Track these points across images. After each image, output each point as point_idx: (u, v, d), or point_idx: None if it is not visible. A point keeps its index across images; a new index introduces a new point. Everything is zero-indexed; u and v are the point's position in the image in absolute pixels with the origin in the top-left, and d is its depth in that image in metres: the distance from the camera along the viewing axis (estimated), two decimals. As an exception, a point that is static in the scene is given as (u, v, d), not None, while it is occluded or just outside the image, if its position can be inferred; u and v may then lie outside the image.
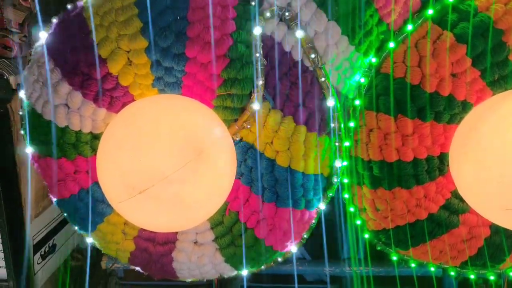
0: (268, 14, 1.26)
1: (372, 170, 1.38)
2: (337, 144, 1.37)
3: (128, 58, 1.27)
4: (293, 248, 1.50)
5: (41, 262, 1.83)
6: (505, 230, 1.37)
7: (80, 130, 1.35)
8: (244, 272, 1.54)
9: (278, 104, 1.32)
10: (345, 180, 1.44)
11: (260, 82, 1.27)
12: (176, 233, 1.47)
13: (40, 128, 1.38)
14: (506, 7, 1.23)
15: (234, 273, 1.56)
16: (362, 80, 1.36)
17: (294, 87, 1.31)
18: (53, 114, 1.33)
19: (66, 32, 1.31)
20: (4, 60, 1.63)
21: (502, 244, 1.40)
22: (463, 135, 1.27)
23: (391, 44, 1.30)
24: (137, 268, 1.60)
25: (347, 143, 1.39)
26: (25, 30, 1.73)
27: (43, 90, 1.33)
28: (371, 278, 1.79)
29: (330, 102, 1.32)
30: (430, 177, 1.36)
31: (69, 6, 1.32)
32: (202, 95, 1.30)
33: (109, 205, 1.41)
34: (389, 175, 1.36)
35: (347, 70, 1.36)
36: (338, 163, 1.39)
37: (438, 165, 1.35)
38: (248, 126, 1.32)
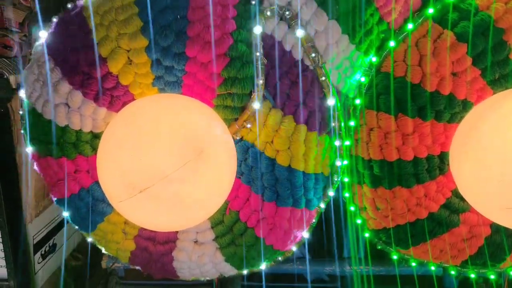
0: (268, 13, 1.26)
1: (372, 169, 1.38)
2: (337, 143, 1.37)
3: (128, 57, 1.27)
4: (293, 247, 1.50)
5: (41, 261, 1.83)
6: (506, 229, 1.37)
7: (80, 130, 1.35)
8: (245, 271, 1.55)
9: (278, 103, 1.31)
10: (346, 179, 1.44)
11: (261, 81, 1.27)
12: (177, 232, 1.47)
13: (40, 127, 1.37)
14: (506, 6, 1.23)
15: (235, 272, 1.56)
16: (363, 79, 1.36)
17: (294, 86, 1.31)
18: (53, 113, 1.33)
19: (66, 31, 1.30)
20: (4, 59, 1.63)
21: (503, 243, 1.40)
22: (464, 134, 1.27)
23: (392, 43, 1.30)
24: (138, 268, 1.60)
25: (347, 142, 1.39)
26: (25, 29, 1.73)
27: (43, 89, 1.33)
28: (372, 277, 1.79)
29: (331, 101, 1.32)
30: (431, 176, 1.36)
31: (69, 5, 1.32)
32: (202, 94, 1.30)
33: (109, 205, 1.41)
34: (390, 174, 1.36)
35: (347, 69, 1.36)
36: (338, 162, 1.39)
37: (439, 164, 1.35)
38: (249, 125, 1.32)
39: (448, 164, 1.34)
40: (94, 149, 1.37)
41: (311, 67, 1.31)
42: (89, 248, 1.58)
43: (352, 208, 1.48)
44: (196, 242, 1.48)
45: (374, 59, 1.34)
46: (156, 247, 1.49)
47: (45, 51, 1.31)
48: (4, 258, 1.66)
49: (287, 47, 1.29)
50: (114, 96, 1.31)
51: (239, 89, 1.28)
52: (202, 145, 1.19)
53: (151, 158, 1.17)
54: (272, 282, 2.42)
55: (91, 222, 1.47)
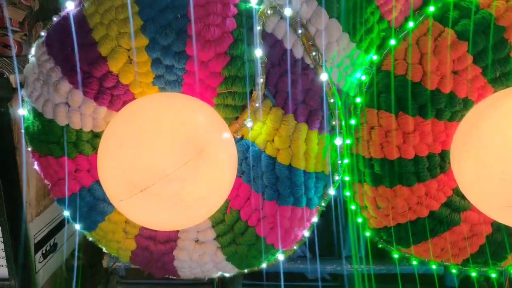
0: (269, 12, 1.26)
1: (373, 168, 1.38)
2: (338, 142, 1.37)
3: (129, 56, 1.27)
4: (294, 246, 1.50)
5: (42, 261, 1.83)
6: (507, 227, 1.37)
7: (80, 129, 1.35)
8: (245, 270, 1.55)
9: (279, 102, 1.31)
10: (346, 178, 1.44)
11: (261, 80, 1.27)
12: (177, 231, 1.47)
13: (41, 127, 1.37)
14: (507, 4, 1.23)
15: (235, 271, 1.56)
16: (363, 77, 1.36)
17: (295, 84, 1.30)
18: (54, 112, 1.32)
19: (67, 31, 1.30)
20: (4, 59, 1.63)
21: (504, 241, 1.40)
22: (464, 132, 1.27)
23: (392, 42, 1.30)
24: (138, 267, 1.60)
25: (348, 141, 1.39)
26: (26, 29, 1.73)
27: (43, 88, 1.33)
28: (372, 276, 1.79)
29: (331, 100, 1.32)
30: (431, 174, 1.35)
31: (69, 4, 1.32)
32: (202, 93, 1.30)
33: (110, 204, 1.41)
34: (390, 172, 1.36)
35: (348, 68, 1.36)
36: (339, 161, 1.39)
37: (439, 162, 1.34)
38: (249, 124, 1.32)
39: (449, 163, 1.33)
40: (95, 148, 1.37)
41: (311, 66, 1.31)
42: (85, 247, 1.58)
43: (353, 207, 1.48)
44: (197, 241, 1.48)
45: (374, 57, 1.34)
46: (157, 246, 1.49)
47: (45, 50, 1.31)
48: (5, 258, 1.67)
49: (288, 46, 1.29)
50: (115, 95, 1.31)
51: (239, 88, 1.28)
52: (203, 144, 1.19)
53: (152, 157, 1.17)
54: (273, 281, 2.42)
55: (92, 222, 1.48)
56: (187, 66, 1.27)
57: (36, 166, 1.46)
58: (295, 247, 1.52)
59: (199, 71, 1.27)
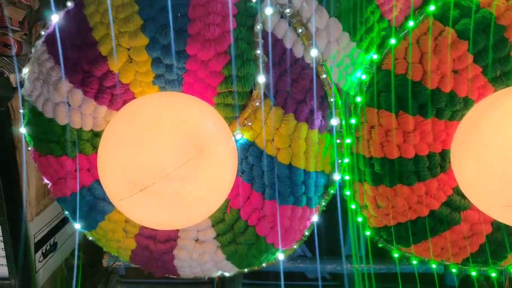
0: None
1: (373, 167, 1.38)
2: (338, 141, 1.37)
3: (129, 56, 1.27)
4: (294, 245, 1.50)
5: (42, 260, 1.83)
6: (507, 227, 1.37)
7: (81, 128, 1.35)
8: (245, 270, 1.55)
9: (279, 101, 1.31)
10: (347, 177, 1.44)
11: (261, 79, 1.27)
12: (177, 230, 1.47)
13: (41, 126, 1.37)
14: (508, 3, 1.23)
15: (235, 270, 1.56)
16: (363, 76, 1.36)
17: (295, 84, 1.30)
18: (54, 112, 1.32)
19: (67, 30, 1.30)
20: (4, 58, 1.63)
21: (504, 241, 1.40)
22: (465, 131, 1.27)
23: (392, 41, 1.30)
24: (138, 266, 1.60)
25: (348, 140, 1.39)
26: (26, 28, 1.73)
27: (43, 88, 1.33)
28: (373, 275, 1.79)
29: (331, 99, 1.32)
30: (432, 173, 1.35)
31: (69, 4, 1.32)
32: (203, 92, 1.30)
33: (110, 203, 1.41)
34: (391, 172, 1.36)
35: (348, 67, 1.36)
36: (339, 160, 1.39)
37: (440, 161, 1.34)
38: (249, 124, 1.32)
39: (449, 162, 1.33)
40: (95, 147, 1.37)
41: (311, 65, 1.30)
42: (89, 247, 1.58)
43: (353, 206, 1.48)
44: (197, 240, 1.48)
45: (375, 56, 1.34)
46: (157, 246, 1.49)
47: (46, 49, 1.31)
48: (5, 257, 1.67)
49: (288, 45, 1.28)
50: (115, 95, 1.31)
51: (239, 87, 1.28)
52: (203, 143, 1.19)
53: (152, 156, 1.17)
54: (273, 281, 2.43)
55: (92, 221, 1.48)
56: (187, 65, 1.26)
57: (36, 165, 1.46)
58: (295, 247, 1.52)
59: (199, 70, 1.27)
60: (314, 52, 1.26)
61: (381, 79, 1.32)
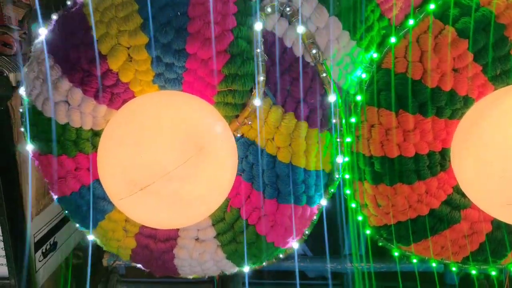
0: (269, 10, 1.26)
1: (373, 166, 1.37)
2: (338, 140, 1.37)
3: (129, 54, 1.27)
4: (294, 244, 1.50)
5: (42, 259, 1.83)
6: (507, 225, 1.37)
7: (80, 127, 1.35)
8: (246, 269, 1.54)
9: (279, 100, 1.31)
10: (347, 176, 1.44)
11: (261, 78, 1.27)
12: (177, 230, 1.47)
13: (41, 125, 1.37)
14: (508, 1, 1.23)
15: (236, 269, 1.56)
16: (364, 75, 1.36)
17: (295, 83, 1.30)
18: (54, 111, 1.32)
19: (66, 29, 1.30)
20: (4, 57, 1.62)
21: (504, 239, 1.40)
22: (465, 130, 1.27)
23: (393, 39, 1.30)
24: (139, 265, 1.60)
25: (348, 139, 1.39)
26: (25, 27, 1.73)
27: (43, 87, 1.32)
28: (373, 274, 1.80)
29: (332, 98, 1.32)
30: (432, 172, 1.35)
31: (68, 2, 1.32)
32: (202, 91, 1.30)
33: (110, 202, 1.41)
34: (391, 170, 1.36)
35: (348, 66, 1.36)
36: (339, 159, 1.39)
37: (440, 160, 1.34)
38: (249, 122, 1.32)
39: (449, 161, 1.33)
40: (95, 146, 1.37)
41: (312, 64, 1.30)
42: (90, 246, 1.58)
43: (353, 205, 1.48)
44: (197, 239, 1.48)
45: (375, 55, 1.34)
46: (157, 245, 1.49)
47: (45, 48, 1.30)
48: (5, 257, 1.66)
49: (288, 44, 1.28)
50: (114, 94, 1.31)
51: (239, 86, 1.28)
52: (203, 142, 1.19)
53: (152, 156, 1.17)
54: (273, 279, 2.43)
55: (92, 220, 1.47)
56: (187, 64, 1.26)
57: (36, 165, 1.46)
58: (295, 246, 1.52)
59: (199, 69, 1.27)
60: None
61: (381, 77, 1.32)
